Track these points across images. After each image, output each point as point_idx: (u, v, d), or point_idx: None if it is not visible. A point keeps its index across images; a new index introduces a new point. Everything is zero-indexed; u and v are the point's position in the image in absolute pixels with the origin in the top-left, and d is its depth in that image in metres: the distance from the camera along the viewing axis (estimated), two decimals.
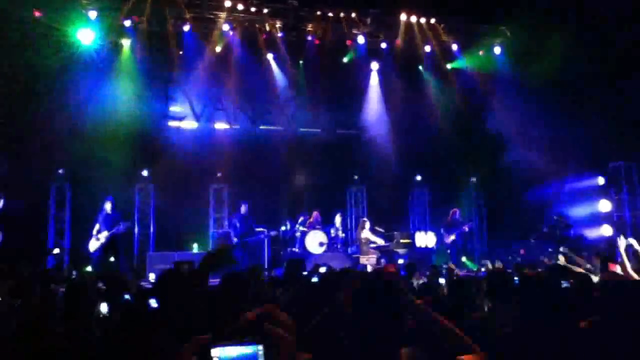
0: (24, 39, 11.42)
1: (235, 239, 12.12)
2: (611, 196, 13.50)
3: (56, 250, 10.38)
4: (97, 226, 10.73)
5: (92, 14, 12.44)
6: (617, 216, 13.44)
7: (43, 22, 11.82)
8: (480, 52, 15.47)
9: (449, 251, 13.00)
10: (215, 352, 1.27)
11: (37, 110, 11.49)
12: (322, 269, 7.15)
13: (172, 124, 14.01)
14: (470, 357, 2.25)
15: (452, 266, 9.06)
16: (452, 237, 13.00)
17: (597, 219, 13.41)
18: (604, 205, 13.48)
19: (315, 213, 13.00)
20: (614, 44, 12.01)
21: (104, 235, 10.59)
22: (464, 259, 12.70)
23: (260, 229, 12.62)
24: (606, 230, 13.26)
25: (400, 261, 11.61)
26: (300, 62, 14.80)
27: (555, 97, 12.96)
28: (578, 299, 3.73)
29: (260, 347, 1.29)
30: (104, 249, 10.53)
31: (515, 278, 4.86)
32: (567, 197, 13.65)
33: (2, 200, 10.70)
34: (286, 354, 1.31)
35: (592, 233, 13.13)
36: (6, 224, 10.64)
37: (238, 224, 12.39)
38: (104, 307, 4.28)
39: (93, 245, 10.63)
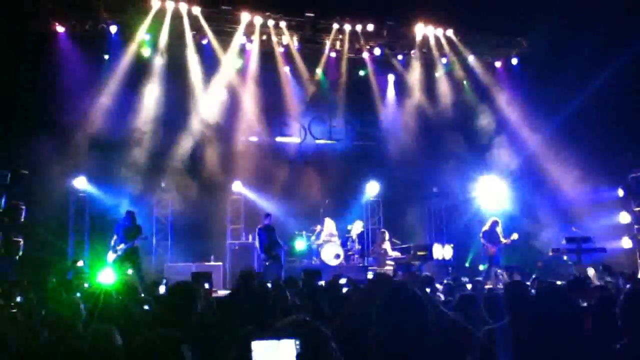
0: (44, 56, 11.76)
1: (263, 255, 11.83)
2: (631, 208, 13.35)
3: (80, 263, 10.43)
4: (114, 237, 10.74)
5: (113, 29, 12.71)
6: (637, 228, 13.26)
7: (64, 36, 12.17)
8: (497, 64, 15.55)
9: (481, 267, 12.65)
10: (255, 344, 1.44)
11: (57, 122, 11.69)
12: (342, 280, 7.20)
13: (191, 136, 14.11)
14: None
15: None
16: (494, 249, 12.16)
17: (616, 231, 13.26)
18: (624, 218, 13.34)
19: (326, 221, 12.97)
20: (633, 54, 11.93)
21: (121, 247, 10.61)
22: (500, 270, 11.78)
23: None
24: (626, 243, 13.10)
25: None
26: (317, 71, 14.89)
27: (573, 108, 12.87)
28: (599, 316, 3.70)
29: (298, 342, 1.44)
30: (122, 260, 10.45)
31: (532, 291, 4.83)
32: (587, 208, 13.48)
33: (23, 211, 10.89)
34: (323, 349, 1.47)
35: (611, 245, 12.96)
36: (27, 234, 10.84)
37: (262, 238, 11.80)
38: None
39: (111, 256, 10.64)
